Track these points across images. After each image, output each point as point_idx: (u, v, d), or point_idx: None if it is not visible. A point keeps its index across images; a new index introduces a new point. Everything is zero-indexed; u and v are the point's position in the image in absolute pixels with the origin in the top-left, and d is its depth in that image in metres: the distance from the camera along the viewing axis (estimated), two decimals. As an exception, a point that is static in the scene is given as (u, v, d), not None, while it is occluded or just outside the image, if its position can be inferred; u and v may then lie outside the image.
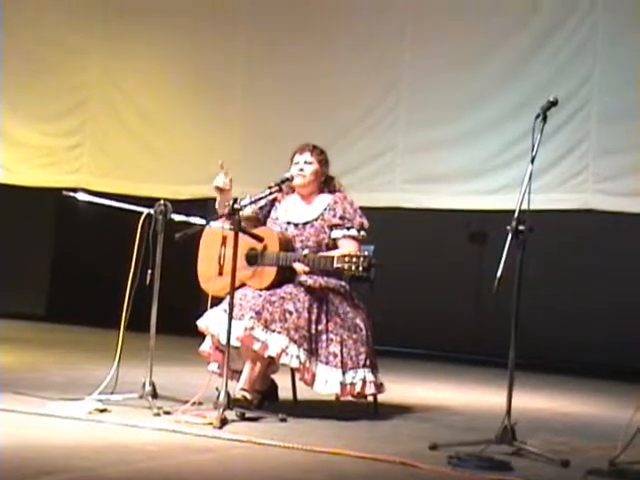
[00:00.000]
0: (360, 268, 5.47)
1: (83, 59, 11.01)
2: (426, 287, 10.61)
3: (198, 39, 10.51)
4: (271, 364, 5.72)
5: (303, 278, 5.80)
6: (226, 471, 4.19)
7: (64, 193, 6.05)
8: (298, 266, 5.74)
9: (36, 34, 11.06)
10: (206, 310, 5.78)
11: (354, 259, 5.49)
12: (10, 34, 10.88)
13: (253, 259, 5.82)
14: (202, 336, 5.88)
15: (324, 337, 5.69)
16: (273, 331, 5.56)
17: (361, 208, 6.02)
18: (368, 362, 5.77)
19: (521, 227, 4.83)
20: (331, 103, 9.88)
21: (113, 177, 10.71)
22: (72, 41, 11.01)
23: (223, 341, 5.47)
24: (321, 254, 5.75)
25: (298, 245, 5.89)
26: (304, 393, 6.01)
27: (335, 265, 5.54)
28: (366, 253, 5.57)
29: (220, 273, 5.84)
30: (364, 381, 5.75)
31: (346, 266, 5.49)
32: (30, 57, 11.03)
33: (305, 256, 5.71)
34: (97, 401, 5.34)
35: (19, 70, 10.97)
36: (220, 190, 5.86)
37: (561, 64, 8.95)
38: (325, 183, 6.07)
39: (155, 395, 5.56)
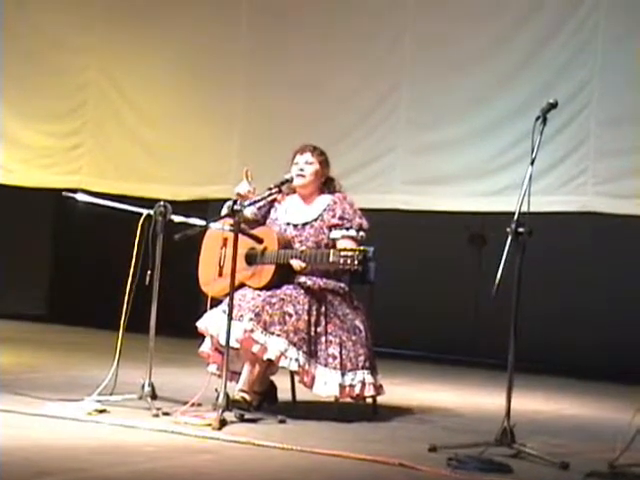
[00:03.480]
0: (356, 262, 5.47)
1: (83, 60, 10.99)
2: (425, 289, 10.60)
3: (199, 40, 10.49)
4: (270, 365, 5.71)
5: (302, 279, 5.81)
6: (225, 472, 4.19)
7: (64, 194, 6.06)
8: (295, 262, 5.74)
9: (36, 34, 11.04)
10: (206, 311, 5.78)
11: (349, 253, 5.50)
12: (10, 34, 10.87)
13: (252, 258, 5.83)
14: (202, 337, 5.88)
15: (323, 339, 5.69)
16: (272, 334, 5.55)
17: (361, 210, 6.03)
18: (367, 364, 5.78)
19: (520, 229, 4.83)
20: (331, 105, 9.86)
21: (113, 178, 10.69)
22: (72, 42, 10.99)
23: (222, 342, 5.47)
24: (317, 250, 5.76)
25: (297, 246, 5.89)
26: (303, 394, 6.01)
27: (331, 259, 5.54)
28: (362, 247, 5.59)
29: (220, 274, 5.85)
30: (363, 383, 5.75)
31: (342, 260, 5.49)
32: (30, 57, 11.01)
33: (302, 252, 5.73)
34: (96, 402, 5.35)
35: (19, 70, 10.95)
36: (242, 198, 5.85)
37: (561, 66, 8.93)
38: (325, 184, 6.08)
39: (154, 396, 5.56)
